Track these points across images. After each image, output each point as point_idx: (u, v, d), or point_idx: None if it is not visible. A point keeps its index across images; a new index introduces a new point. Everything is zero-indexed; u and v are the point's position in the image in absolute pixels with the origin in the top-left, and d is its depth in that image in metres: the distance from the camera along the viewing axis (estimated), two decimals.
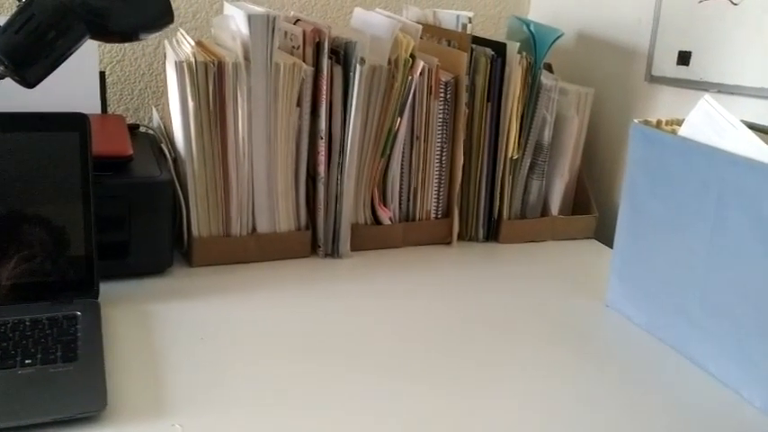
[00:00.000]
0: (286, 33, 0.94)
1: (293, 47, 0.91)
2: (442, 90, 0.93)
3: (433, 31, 1.02)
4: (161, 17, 0.66)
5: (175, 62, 0.78)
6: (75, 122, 0.71)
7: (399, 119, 0.90)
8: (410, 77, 0.88)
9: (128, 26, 0.65)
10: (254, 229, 0.88)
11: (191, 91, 0.79)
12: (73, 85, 0.95)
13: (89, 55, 0.96)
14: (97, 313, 0.69)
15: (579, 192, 1.07)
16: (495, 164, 0.98)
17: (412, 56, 0.88)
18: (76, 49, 0.67)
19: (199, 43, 0.86)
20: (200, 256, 0.86)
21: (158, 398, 0.60)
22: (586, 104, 1.02)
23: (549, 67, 1.12)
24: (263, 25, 0.80)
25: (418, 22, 1.03)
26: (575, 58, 1.17)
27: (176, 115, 0.81)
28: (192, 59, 0.78)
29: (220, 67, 0.80)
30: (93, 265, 0.72)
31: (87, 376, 0.59)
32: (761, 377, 0.62)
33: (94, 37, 0.68)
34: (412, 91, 0.89)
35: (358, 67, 0.84)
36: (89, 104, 0.96)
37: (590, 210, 1.05)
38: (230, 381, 0.63)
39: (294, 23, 0.94)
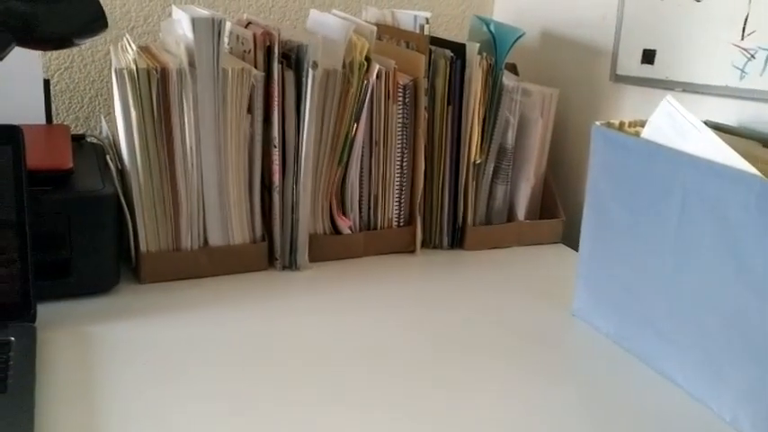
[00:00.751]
0: (238, 37, 0.90)
1: (245, 51, 0.88)
2: (400, 94, 0.90)
3: (391, 32, 0.99)
4: (92, 22, 0.62)
5: (116, 69, 0.74)
6: (6, 135, 0.67)
7: (356, 124, 0.86)
8: (366, 81, 0.85)
9: (56, 32, 0.61)
10: (206, 242, 0.84)
11: (133, 100, 0.75)
12: (14, 94, 0.91)
13: (32, 62, 0.92)
14: (33, 338, 0.65)
15: (546, 195, 1.04)
16: (458, 169, 0.95)
17: (367, 58, 0.85)
18: (2, 57, 0.63)
19: (143, 49, 0.82)
20: (148, 272, 0.82)
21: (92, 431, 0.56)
22: (551, 105, 0.99)
23: (513, 68, 1.09)
24: (208, 29, 0.76)
25: (377, 24, 1.00)
26: (539, 58, 1.15)
27: (120, 125, 0.77)
28: (134, 66, 0.74)
29: (164, 73, 0.76)
30: (29, 286, 0.68)
31: (15, 410, 0.55)
32: (730, 390, 0.60)
33: (23, 44, 0.64)
34: (368, 95, 0.86)
35: (310, 71, 0.81)
36: (32, 115, 0.92)
37: (557, 214, 1.03)
38: (174, 409, 0.59)
39: (246, 26, 0.90)
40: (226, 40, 0.86)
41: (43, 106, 0.93)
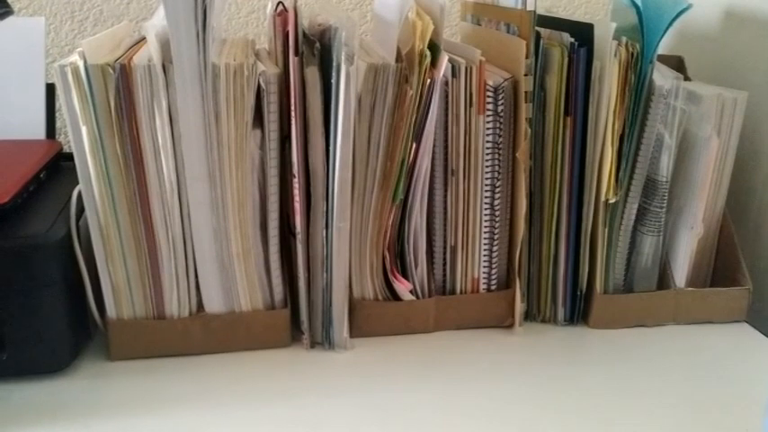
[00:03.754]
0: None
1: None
2: (490, 99, 0.60)
3: (491, 12, 0.70)
4: None
5: (58, 67, 0.52)
6: None
7: (414, 144, 0.58)
8: (430, 80, 0.57)
9: None
10: (200, 307, 0.60)
11: (81, 109, 0.53)
12: (8, 102, 0.73)
13: (32, 63, 0.74)
14: None
15: (722, 252, 0.69)
16: (581, 210, 0.64)
17: (432, 46, 0.56)
18: None
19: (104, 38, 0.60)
20: (119, 347, 0.59)
21: None
22: (733, 118, 0.65)
23: (679, 64, 0.76)
24: (188, 6, 0.52)
25: (476, 2, 0.72)
26: (714, 47, 0.79)
27: (73, 146, 0.55)
28: (81, 61, 0.52)
29: (125, 72, 0.53)
30: None
31: None
32: None
33: None
34: (435, 101, 0.58)
35: (343, 67, 0.54)
36: (29, 127, 0.73)
37: (739, 279, 0.68)
38: None
39: (276, 9, 0.65)
40: (218, 22, 0.62)
41: (43, 117, 0.74)
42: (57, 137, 0.76)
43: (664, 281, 0.68)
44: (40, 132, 0.73)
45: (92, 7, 0.85)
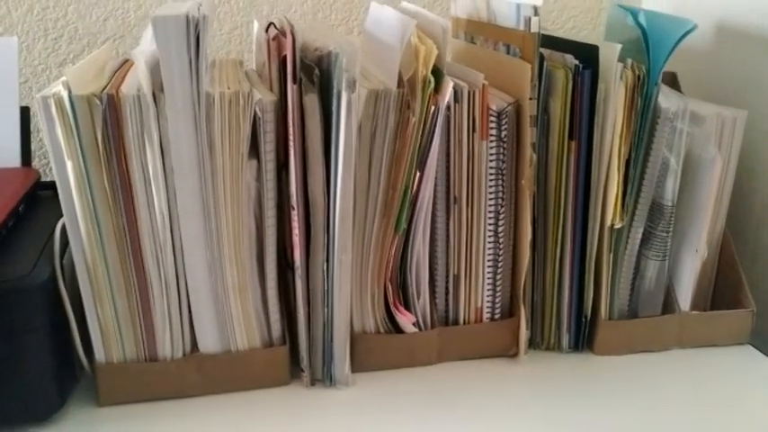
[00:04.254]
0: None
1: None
2: (493, 124, 0.58)
3: (488, 31, 0.68)
4: None
5: (40, 98, 0.49)
6: None
7: (419, 173, 0.56)
8: (434, 107, 0.55)
9: None
10: (194, 347, 0.57)
11: (66, 143, 0.50)
12: None
13: (5, 83, 0.69)
14: None
15: (724, 275, 0.69)
16: (586, 235, 0.63)
17: (436, 71, 0.54)
18: None
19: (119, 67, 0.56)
20: (109, 392, 0.56)
21: None
22: (733, 137, 0.64)
23: (672, 80, 0.75)
24: (180, 32, 0.49)
25: (468, 19, 0.70)
26: (712, 64, 0.79)
27: (57, 181, 0.52)
28: (65, 92, 0.49)
29: (112, 102, 0.49)
30: None
31: None
32: None
33: None
34: (439, 127, 0.56)
35: (344, 93, 0.51)
36: (3, 153, 0.69)
37: (742, 302, 0.67)
38: None
39: (266, 31, 0.62)
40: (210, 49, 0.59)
41: (18, 143, 0.70)
42: (32, 160, 0.72)
43: (668, 305, 0.67)
44: (15, 159, 0.69)
45: (66, 24, 0.81)
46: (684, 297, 0.66)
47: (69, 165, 0.50)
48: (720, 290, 0.70)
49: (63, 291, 0.53)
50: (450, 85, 0.54)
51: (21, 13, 0.79)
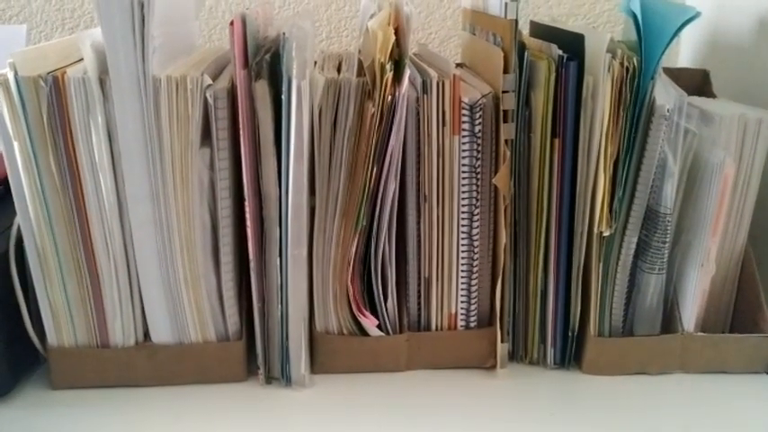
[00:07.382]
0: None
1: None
2: (466, 118, 0.54)
3: (482, 21, 0.63)
4: None
5: None
6: None
7: (375, 167, 0.53)
8: (391, 97, 0.51)
9: None
10: (146, 336, 0.56)
11: (13, 124, 0.50)
12: None
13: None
14: None
15: (743, 294, 0.61)
16: (572, 241, 0.57)
17: (395, 60, 0.51)
18: None
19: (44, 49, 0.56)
20: (61, 375, 0.56)
21: None
22: (757, 141, 0.57)
23: (704, 76, 0.68)
24: (124, 14, 0.48)
25: (473, 10, 0.66)
26: (747, 61, 0.71)
27: (6, 163, 0.52)
28: (11, 73, 0.49)
29: (57, 84, 0.49)
30: None
31: None
32: None
33: None
34: (397, 120, 0.52)
35: (294, 82, 0.49)
36: None
37: (760, 324, 0.60)
38: None
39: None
40: (188, 27, 0.58)
41: None
42: None
43: (671, 324, 0.60)
44: None
45: (83, 14, 0.83)
46: (688, 316, 0.60)
47: (16, 146, 0.50)
48: (741, 312, 0.63)
49: (14, 271, 0.53)
50: (408, 73, 0.50)
51: (39, 4, 0.81)
